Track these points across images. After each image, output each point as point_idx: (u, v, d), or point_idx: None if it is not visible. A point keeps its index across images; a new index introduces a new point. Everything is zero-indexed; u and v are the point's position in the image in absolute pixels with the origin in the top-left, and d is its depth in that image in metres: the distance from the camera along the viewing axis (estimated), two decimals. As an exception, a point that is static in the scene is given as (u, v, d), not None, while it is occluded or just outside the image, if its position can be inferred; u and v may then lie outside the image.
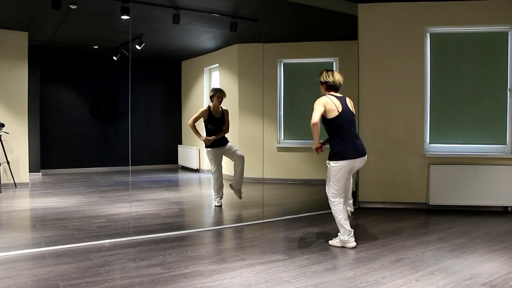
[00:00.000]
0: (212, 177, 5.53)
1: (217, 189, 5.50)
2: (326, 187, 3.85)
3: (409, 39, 5.53)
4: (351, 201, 4.17)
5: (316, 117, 3.59)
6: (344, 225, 3.78)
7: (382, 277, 3.10)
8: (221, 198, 5.52)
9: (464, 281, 3.01)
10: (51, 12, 5.02)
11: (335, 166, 3.70)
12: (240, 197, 5.54)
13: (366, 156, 3.85)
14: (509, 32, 5.41)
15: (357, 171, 5.54)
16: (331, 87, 3.81)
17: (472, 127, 5.60)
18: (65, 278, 2.99)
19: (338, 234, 3.85)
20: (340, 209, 3.78)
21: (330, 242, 3.90)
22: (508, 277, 3.09)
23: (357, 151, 3.73)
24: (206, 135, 5.42)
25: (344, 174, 3.75)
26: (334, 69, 3.88)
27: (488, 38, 5.54)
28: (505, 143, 5.46)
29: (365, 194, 5.66)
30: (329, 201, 3.83)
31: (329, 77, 3.79)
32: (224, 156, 5.53)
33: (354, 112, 3.85)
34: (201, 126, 5.43)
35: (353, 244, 3.79)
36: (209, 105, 5.41)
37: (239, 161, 5.46)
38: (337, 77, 3.80)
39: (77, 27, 6.20)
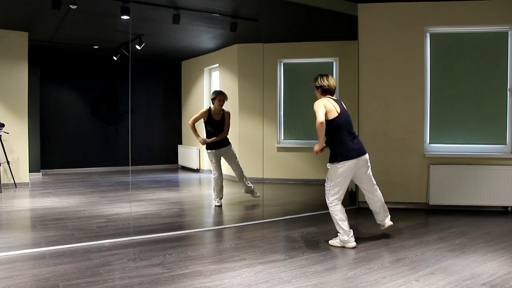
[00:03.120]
0: (212, 178, 5.54)
1: (218, 190, 5.49)
2: (326, 188, 3.83)
3: (409, 39, 5.53)
4: (387, 216, 4.14)
5: (322, 116, 3.58)
6: (342, 226, 3.78)
7: (382, 277, 3.10)
8: (221, 198, 5.52)
9: (464, 281, 3.01)
10: (51, 12, 5.02)
11: (341, 168, 3.69)
12: (257, 195, 5.60)
13: (368, 156, 3.84)
14: (509, 32, 5.41)
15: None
16: (326, 91, 3.83)
17: (472, 127, 5.60)
18: (65, 278, 2.99)
19: (338, 234, 3.85)
20: (337, 210, 3.78)
21: (330, 242, 3.90)
22: (508, 277, 3.09)
23: (358, 149, 3.74)
24: (206, 137, 5.42)
25: (348, 176, 3.73)
26: (328, 74, 3.90)
27: (488, 38, 5.54)
28: (505, 143, 5.47)
29: (365, 194, 5.66)
30: (327, 202, 3.83)
31: (324, 81, 3.83)
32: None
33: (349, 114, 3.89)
34: (201, 126, 5.42)
35: (353, 244, 3.79)
36: (210, 107, 5.41)
37: (237, 170, 5.51)
38: (332, 81, 3.84)
39: (77, 27, 6.20)
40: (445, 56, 5.65)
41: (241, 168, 5.55)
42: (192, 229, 4.56)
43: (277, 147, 6.73)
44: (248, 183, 5.58)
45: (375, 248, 3.83)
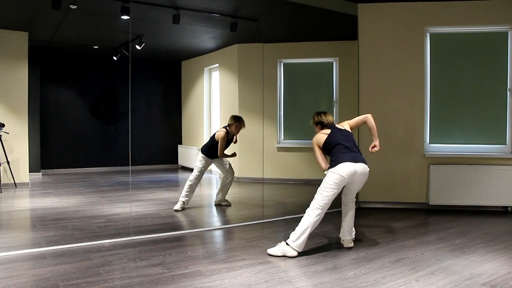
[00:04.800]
0: (188, 181, 5.33)
1: (190, 193, 5.34)
2: (317, 191, 3.66)
3: (409, 39, 5.53)
4: (351, 228, 3.92)
5: (321, 162, 3.80)
6: (304, 234, 3.56)
7: (382, 277, 3.10)
8: (186, 203, 5.35)
9: (464, 281, 3.01)
10: (51, 12, 5.02)
11: (335, 171, 3.56)
12: (230, 204, 5.57)
13: (368, 169, 3.70)
14: (509, 32, 5.42)
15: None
16: (324, 125, 3.92)
17: (472, 127, 5.60)
18: (65, 278, 2.99)
19: (286, 240, 3.63)
20: (314, 215, 3.58)
21: (270, 251, 3.64)
22: (508, 277, 3.09)
23: (354, 157, 3.64)
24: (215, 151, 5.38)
25: (341, 183, 3.58)
26: (325, 111, 4.02)
27: (488, 38, 5.54)
28: (505, 143, 5.47)
29: (365, 194, 5.66)
30: (309, 209, 3.62)
31: (322, 118, 3.95)
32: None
33: (347, 130, 3.86)
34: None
35: (295, 253, 3.56)
36: (227, 130, 5.32)
37: (231, 175, 5.46)
38: (330, 117, 3.97)
39: (77, 27, 6.20)
40: (445, 56, 5.65)
41: (233, 176, 5.48)
42: (192, 229, 4.56)
43: (277, 147, 6.73)
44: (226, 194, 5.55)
45: (375, 248, 3.83)
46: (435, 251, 3.74)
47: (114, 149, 7.51)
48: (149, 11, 5.48)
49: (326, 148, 3.78)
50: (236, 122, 5.32)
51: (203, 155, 5.40)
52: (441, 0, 5.39)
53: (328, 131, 3.83)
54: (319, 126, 3.97)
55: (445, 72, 5.65)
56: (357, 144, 3.87)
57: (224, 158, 5.46)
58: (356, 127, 4.06)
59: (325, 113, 3.99)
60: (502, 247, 3.85)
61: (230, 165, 5.49)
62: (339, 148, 3.69)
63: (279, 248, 3.61)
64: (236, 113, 6.41)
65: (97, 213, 5.03)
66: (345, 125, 3.92)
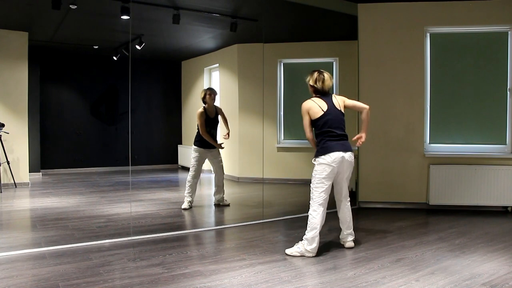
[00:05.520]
0: (187, 182, 5.32)
1: (192, 192, 5.33)
2: (311, 187, 3.64)
3: (409, 39, 5.53)
4: (351, 231, 3.88)
5: (307, 131, 3.71)
6: (317, 239, 3.56)
7: (382, 277, 3.10)
8: (191, 201, 5.36)
9: (464, 281, 3.01)
10: (51, 12, 5.02)
11: (323, 161, 3.54)
12: (229, 204, 5.55)
13: (353, 157, 3.69)
14: (509, 32, 5.42)
15: (357, 172, 5.55)
16: (318, 92, 3.73)
17: (472, 127, 5.60)
18: (65, 278, 2.99)
19: (301, 241, 3.64)
20: (318, 212, 3.55)
21: (288, 251, 3.64)
22: (508, 277, 3.09)
23: (343, 145, 3.60)
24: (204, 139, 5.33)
25: (332, 173, 3.56)
26: (323, 72, 3.74)
27: (488, 38, 5.54)
28: (505, 143, 5.47)
29: (365, 194, 5.67)
30: (311, 211, 3.59)
31: (317, 82, 3.70)
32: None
33: (342, 111, 3.72)
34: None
35: (312, 255, 3.57)
36: (204, 107, 5.34)
37: (220, 173, 5.42)
38: (327, 82, 3.71)
39: (77, 27, 6.20)
40: (445, 56, 5.65)
41: (223, 173, 5.44)
42: (192, 229, 4.56)
43: (277, 147, 6.73)
44: (223, 194, 5.52)
45: (375, 248, 3.83)
46: (435, 251, 3.74)
47: (114, 149, 7.51)
48: (149, 11, 5.48)
49: (316, 125, 3.66)
50: (207, 91, 5.38)
51: (196, 147, 5.36)
52: (441, 0, 5.39)
53: (324, 105, 3.64)
54: (312, 89, 3.75)
55: (445, 72, 5.65)
56: (345, 130, 3.73)
57: (218, 154, 5.43)
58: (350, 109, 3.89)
59: (323, 76, 3.69)
60: (502, 247, 3.85)
61: (221, 162, 5.45)
62: (329, 135, 3.60)
63: (297, 249, 3.60)
64: (236, 113, 6.44)
65: (97, 213, 5.03)
66: (341, 102, 3.75)
